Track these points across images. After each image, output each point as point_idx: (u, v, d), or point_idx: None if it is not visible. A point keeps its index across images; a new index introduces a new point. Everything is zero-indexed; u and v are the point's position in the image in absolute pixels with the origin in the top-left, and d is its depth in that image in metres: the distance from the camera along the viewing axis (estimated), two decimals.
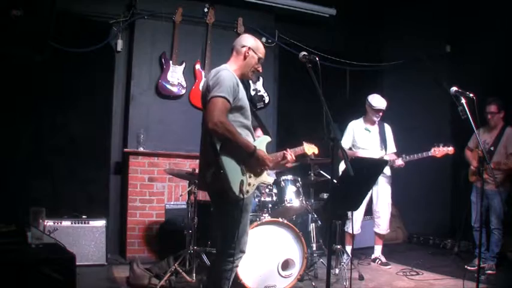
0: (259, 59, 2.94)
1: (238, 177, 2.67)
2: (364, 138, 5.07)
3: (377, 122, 5.07)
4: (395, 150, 5.09)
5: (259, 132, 4.59)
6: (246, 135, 2.79)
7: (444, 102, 5.89)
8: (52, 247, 2.99)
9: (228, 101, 2.66)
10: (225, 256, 2.76)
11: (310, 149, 3.72)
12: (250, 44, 2.91)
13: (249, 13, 5.82)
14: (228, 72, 2.76)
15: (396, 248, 5.95)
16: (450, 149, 4.68)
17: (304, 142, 3.66)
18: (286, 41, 6.07)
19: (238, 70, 2.89)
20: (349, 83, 6.53)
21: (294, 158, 3.15)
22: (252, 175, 2.78)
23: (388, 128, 5.15)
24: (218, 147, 2.63)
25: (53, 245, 3.05)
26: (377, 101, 4.94)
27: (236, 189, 2.65)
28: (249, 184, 2.75)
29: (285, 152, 3.15)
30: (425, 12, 6.26)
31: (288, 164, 3.14)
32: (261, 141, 2.92)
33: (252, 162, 2.74)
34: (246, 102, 2.83)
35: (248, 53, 2.89)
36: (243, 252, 2.82)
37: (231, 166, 2.65)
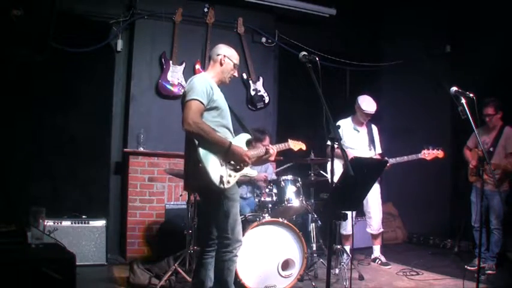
0: (234, 65, 3.16)
1: (217, 169, 2.86)
2: (353, 138, 5.07)
3: (365, 123, 5.10)
4: (380, 151, 5.12)
5: (267, 141, 4.59)
6: (224, 134, 2.98)
7: (444, 102, 5.89)
8: (52, 247, 2.99)
9: (202, 102, 2.87)
10: (221, 247, 2.91)
11: (296, 145, 3.71)
12: (225, 52, 3.14)
13: (249, 13, 5.82)
14: (200, 77, 3.02)
15: (396, 248, 5.95)
16: (440, 152, 4.71)
17: (289, 139, 3.69)
18: (286, 41, 6.06)
19: (216, 77, 3.11)
20: (349, 83, 6.53)
21: (276, 152, 3.30)
22: (231, 167, 2.96)
23: (375, 129, 5.18)
24: (196, 143, 2.85)
25: (53, 245, 3.05)
26: (367, 104, 4.94)
27: (216, 180, 2.83)
28: (230, 175, 2.93)
29: (267, 147, 3.31)
30: (425, 12, 6.26)
31: (271, 158, 3.30)
32: (239, 139, 3.10)
33: (229, 157, 2.93)
34: (222, 104, 3.02)
35: (224, 60, 3.11)
36: (239, 241, 2.96)
37: (208, 159, 2.85)
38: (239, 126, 3.35)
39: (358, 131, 5.09)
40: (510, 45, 5.18)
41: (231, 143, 2.92)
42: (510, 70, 5.14)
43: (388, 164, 4.77)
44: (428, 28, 6.30)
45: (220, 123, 2.98)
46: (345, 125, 5.12)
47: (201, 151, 2.84)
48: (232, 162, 2.95)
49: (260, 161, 3.36)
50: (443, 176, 6.18)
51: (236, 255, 2.96)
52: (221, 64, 3.11)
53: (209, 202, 3.00)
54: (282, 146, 3.56)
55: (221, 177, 2.85)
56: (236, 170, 2.97)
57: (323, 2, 6.11)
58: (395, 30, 6.66)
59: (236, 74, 3.23)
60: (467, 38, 5.91)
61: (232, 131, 3.10)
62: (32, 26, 3.90)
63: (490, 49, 5.43)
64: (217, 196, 2.90)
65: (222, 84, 3.15)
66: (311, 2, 6.04)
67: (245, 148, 3.09)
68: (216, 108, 2.96)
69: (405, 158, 4.75)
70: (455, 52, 6.25)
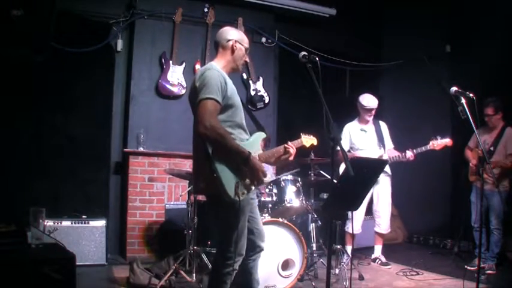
0: (246, 49, 2.87)
1: (232, 180, 2.58)
2: (361, 139, 5.07)
3: (371, 121, 5.09)
4: (392, 146, 5.11)
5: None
6: (239, 134, 2.71)
7: (444, 102, 5.89)
8: (52, 247, 2.99)
9: (218, 101, 2.58)
10: (224, 259, 2.70)
11: (308, 140, 3.43)
12: (235, 36, 2.83)
13: (249, 13, 5.82)
14: (212, 71, 2.66)
15: (396, 248, 5.95)
16: (448, 141, 4.71)
17: (301, 134, 3.58)
18: (286, 41, 6.06)
19: (227, 66, 2.82)
20: (349, 83, 6.53)
21: (296, 150, 3.01)
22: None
23: (383, 126, 5.17)
24: (210, 150, 2.56)
25: (53, 245, 3.05)
26: (368, 100, 4.96)
27: (231, 192, 2.56)
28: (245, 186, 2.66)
29: (286, 145, 2.97)
30: (425, 12, 6.26)
31: (290, 158, 3.00)
32: (255, 139, 2.84)
33: (245, 170, 2.61)
34: (236, 100, 2.73)
35: (235, 45, 2.80)
36: (241, 255, 2.74)
37: (224, 168, 2.57)
38: (251, 121, 3.12)
39: (365, 131, 5.08)
40: (510, 45, 5.18)
41: (250, 153, 2.58)
42: (510, 70, 5.14)
43: (409, 155, 4.75)
44: (428, 28, 6.30)
45: (234, 122, 2.69)
46: (352, 127, 5.13)
47: (216, 160, 2.54)
48: (247, 180, 2.63)
49: (279, 161, 3.04)
50: (443, 176, 6.18)
51: (235, 269, 2.72)
52: (233, 51, 2.79)
53: (216, 213, 2.74)
54: (296, 144, 3.24)
55: (236, 188, 2.57)
56: (248, 188, 2.65)
57: (323, 2, 6.11)
58: (395, 30, 6.67)
59: (248, 60, 2.97)
60: (467, 38, 5.91)
61: (247, 130, 2.82)
62: (32, 26, 3.91)
63: (490, 49, 5.43)
64: (226, 208, 2.62)
65: (234, 72, 2.86)
66: (311, 2, 6.04)
67: (260, 150, 2.83)
68: (230, 106, 2.66)
69: (419, 150, 4.73)
70: (455, 52, 6.25)
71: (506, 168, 4.58)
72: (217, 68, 2.73)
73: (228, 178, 2.57)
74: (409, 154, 4.76)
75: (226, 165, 2.58)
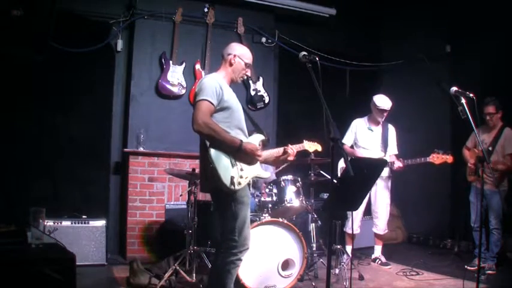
0: (246, 64, 3.11)
1: (228, 171, 2.83)
2: (366, 137, 5.06)
3: (381, 123, 5.06)
4: (396, 152, 5.06)
5: None
6: (236, 135, 2.93)
7: (444, 102, 5.89)
8: (52, 247, 2.99)
9: (211, 103, 2.85)
10: (227, 248, 2.87)
11: (312, 146, 3.68)
12: (236, 51, 3.09)
13: (249, 13, 5.82)
14: (209, 78, 2.97)
15: (396, 248, 5.95)
16: (449, 157, 4.66)
17: (304, 140, 3.65)
18: (286, 41, 6.07)
19: (226, 76, 3.08)
20: (349, 83, 6.53)
21: (295, 152, 3.22)
22: (243, 168, 2.91)
23: (392, 130, 5.13)
24: (208, 144, 2.84)
25: (53, 245, 3.04)
26: (382, 101, 4.92)
27: (227, 182, 2.80)
28: (241, 176, 2.88)
29: (285, 147, 3.21)
30: (425, 12, 6.26)
31: (289, 158, 3.21)
32: (253, 140, 3.04)
33: (241, 156, 2.89)
34: (233, 104, 2.98)
35: (234, 60, 3.06)
36: (246, 245, 2.90)
37: (220, 160, 2.83)
38: (252, 126, 3.30)
39: (372, 130, 5.06)
40: (510, 45, 5.18)
41: (241, 141, 2.88)
42: (510, 70, 5.14)
43: (398, 165, 4.77)
44: (428, 28, 6.30)
45: (232, 123, 2.95)
46: (360, 124, 5.11)
47: (212, 152, 2.82)
48: (243, 160, 2.91)
49: (278, 161, 3.29)
50: (443, 176, 6.17)
51: (240, 259, 2.90)
52: (231, 64, 3.06)
53: (219, 203, 2.99)
54: (298, 147, 3.47)
55: (232, 178, 2.82)
56: (250, 165, 2.92)
57: (323, 2, 6.12)
58: (395, 30, 6.67)
59: (249, 73, 3.21)
60: (467, 38, 5.91)
61: (246, 132, 3.06)
62: (32, 26, 3.90)
63: (490, 49, 5.43)
64: (226, 198, 2.86)
65: (233, 83, 3.12)
66: (311, 2, 6.05)
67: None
68: (227, 108, 2.93)
69: (415, 161, 4.72)
70: (455, 52, 6.24)
71: (505, 170, 4.57)
72: (215, 77, 3.00)
73: (224, 169, 2.83)
74: (398, 165, 4.78)
75: (222, 157, 2.85)
